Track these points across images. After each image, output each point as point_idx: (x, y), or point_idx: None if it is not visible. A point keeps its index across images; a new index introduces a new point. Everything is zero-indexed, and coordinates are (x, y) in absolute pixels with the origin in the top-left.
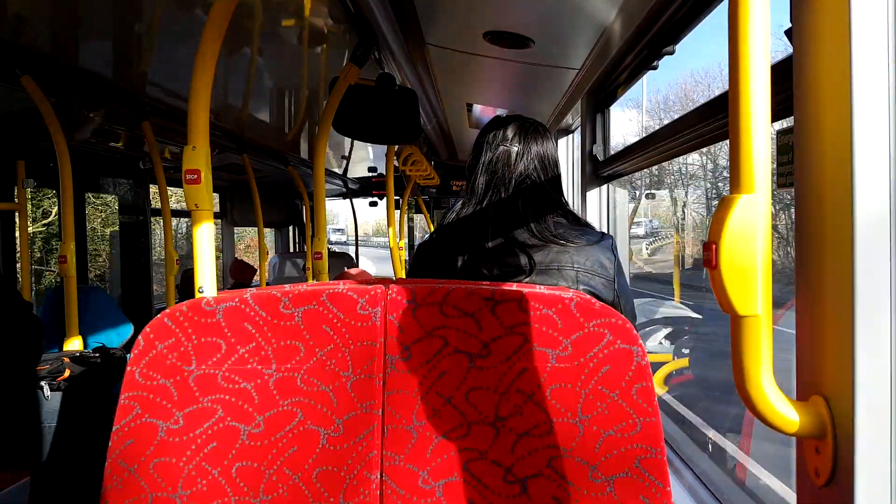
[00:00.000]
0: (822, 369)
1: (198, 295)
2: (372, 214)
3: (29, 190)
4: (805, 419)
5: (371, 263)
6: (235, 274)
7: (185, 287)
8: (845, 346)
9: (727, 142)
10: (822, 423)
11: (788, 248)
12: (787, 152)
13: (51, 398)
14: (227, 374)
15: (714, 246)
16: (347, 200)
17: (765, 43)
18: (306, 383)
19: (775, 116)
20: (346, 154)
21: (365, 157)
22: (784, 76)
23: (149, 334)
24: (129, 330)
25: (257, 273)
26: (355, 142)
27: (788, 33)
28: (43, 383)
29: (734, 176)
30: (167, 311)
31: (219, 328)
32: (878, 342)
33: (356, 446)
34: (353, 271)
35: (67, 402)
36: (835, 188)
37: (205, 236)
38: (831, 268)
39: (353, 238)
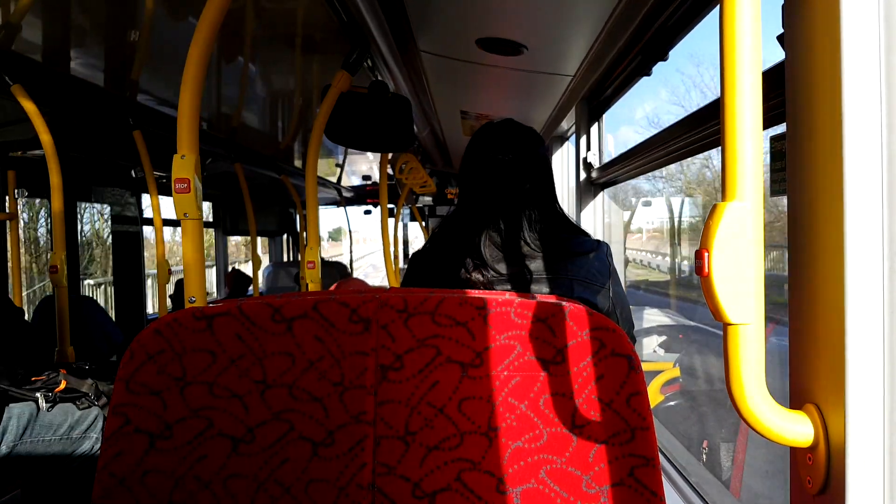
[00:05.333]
0: (815, 378)
1: (188, 305)
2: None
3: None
4: (797, 428)
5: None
6: (231, 283)
7: (179, 296)
8: (838, 355)
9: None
10: (815, 432)
11: None
12: (781, 159)
13: (45, 409)
14: (218, 384)
15: (705, 253)
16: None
17: (755, 49)
18: (298, 394)
19: (768, 123)
20: (340, 162)
21: (360, 166)
22: (777, 82)
23: (139, 345)
24: (120, 340)
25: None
26: (349, 150)
27: (781, 39)
28: (38, 395)
29: (725, 183)
30: (157, 321)
31: (209, 339)
32: (870, 351)
33: (348, 457)
34: (351, 282)
35: (62, 413)
36: (826, 196)
37: (194, 246)
38: (823, 276)
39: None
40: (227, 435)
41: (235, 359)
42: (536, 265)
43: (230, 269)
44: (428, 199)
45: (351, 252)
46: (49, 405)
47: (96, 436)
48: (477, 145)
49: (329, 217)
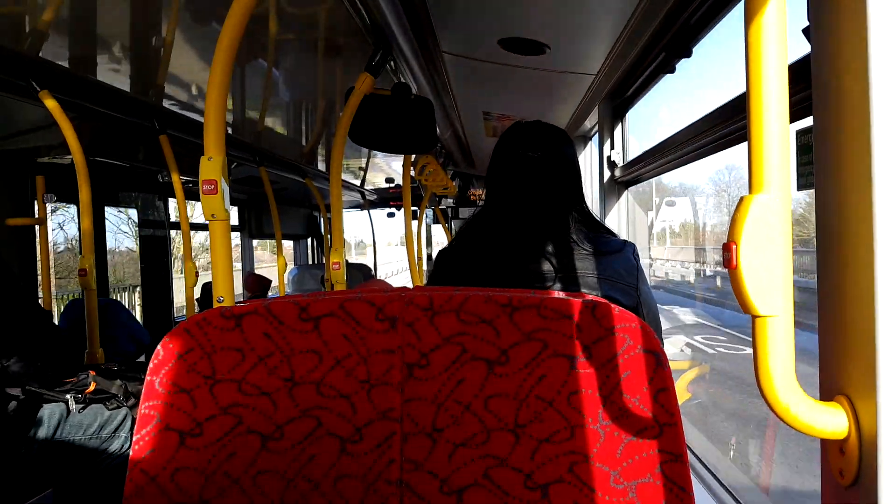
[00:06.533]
0: (845, 369)
1: (216, 304)
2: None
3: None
4: (828, 420)
5: None
6: (250, 287)
7: (205, 300)
8: (868, 346)
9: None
10: (846, 423)
11: None
12: (808, 153)
13: (75, 410)
14: (247, 382)
15: (733, 246)
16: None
17: (781, 42)
18: (325, 391)
19: (795, 117)
20: (364, 166)
21: (383, 169)
22: (803, 76)
23: (168, 344)
24: (147, 341)
25: (272, 285)
26: (372, 153)
27: (806, 32)
28: (68, 396)
29: (752, 176)
30: (186, 321)
31: (237, 337)
32: None
33: (375, 454)
34: (374, 283)
35: (91, 414)
36: (855, 188)
37: (222, 246)
38: (853, 267)
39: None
40: (256, 432)
41: (264, 357)
42: (563, 263)
43: (246, 273)
44: (451, 201)
45: (375, 254)
46: (80, 406)
47: (126, 435)
48: (506, 143)
49: (353, 220)
